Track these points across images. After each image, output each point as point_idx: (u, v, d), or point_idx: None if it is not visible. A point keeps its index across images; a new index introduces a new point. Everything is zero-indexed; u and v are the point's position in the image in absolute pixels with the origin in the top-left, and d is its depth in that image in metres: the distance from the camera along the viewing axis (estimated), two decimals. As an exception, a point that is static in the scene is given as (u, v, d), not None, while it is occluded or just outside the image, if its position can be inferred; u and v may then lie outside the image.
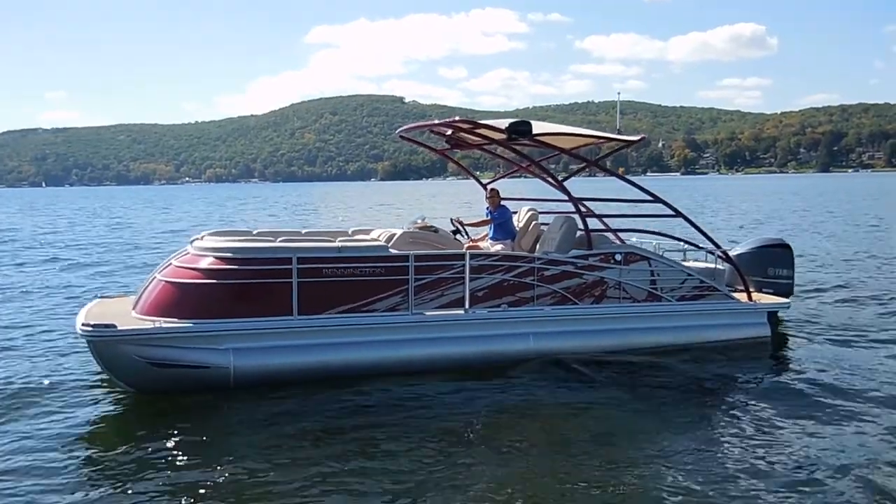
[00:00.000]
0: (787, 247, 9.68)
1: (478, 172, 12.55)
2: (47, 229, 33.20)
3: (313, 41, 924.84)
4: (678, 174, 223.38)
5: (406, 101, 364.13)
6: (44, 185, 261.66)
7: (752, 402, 6.78)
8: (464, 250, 8.10)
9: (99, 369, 7.16)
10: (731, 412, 6.53)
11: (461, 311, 7.67)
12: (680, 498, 4.79)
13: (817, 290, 12.47)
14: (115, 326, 6.68)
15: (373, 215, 38.57)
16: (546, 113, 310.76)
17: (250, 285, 7.08)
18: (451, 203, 49.34)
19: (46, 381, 7.37)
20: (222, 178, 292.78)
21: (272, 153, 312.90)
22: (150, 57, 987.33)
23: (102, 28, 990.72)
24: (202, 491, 4.96)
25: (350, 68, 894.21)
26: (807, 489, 4.91)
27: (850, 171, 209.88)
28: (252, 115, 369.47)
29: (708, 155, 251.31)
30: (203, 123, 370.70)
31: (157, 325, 6.83)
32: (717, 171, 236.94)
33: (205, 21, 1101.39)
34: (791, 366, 8.02)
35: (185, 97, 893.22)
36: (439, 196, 69.37)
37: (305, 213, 45.23)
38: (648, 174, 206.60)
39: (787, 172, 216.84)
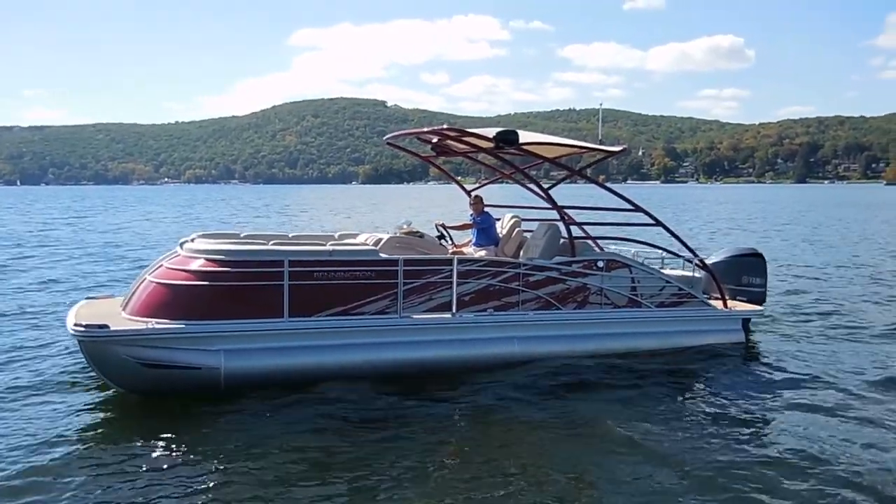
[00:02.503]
0: (760, 256, 10.01)
1: (460, 178, 12.73)
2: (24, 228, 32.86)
3: (297, 43, 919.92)
4: (658, 182, 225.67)
5: (388, 105, 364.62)
6: (18, 183, 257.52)
7: (725, 406, 7.03)
8: (450, 255, 8.29)
9: (89, 369, 7.23)
10: (705, 415, 6.78)
11: (448, 315, 7.85)
12: (645, 499, 5.00)
13: (789, 296, 12.84)
14: (107, 327, 6.75)
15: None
16: (528, 119, 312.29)
17: (242, 287, 7.17)
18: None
19: (34, 382, 7.40)
20: (202, 179, 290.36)
21: (253, 155, 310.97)
22: (133, 56, 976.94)
23: (85, 26, 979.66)
24: (189, 492, 5.03)
25: (333, 71, 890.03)
26: (777, 486, 5.17)
27: (826, 182, 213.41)
28: (233, 116, 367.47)
29: (687, 164, 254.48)
30: (183, 124, 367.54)
31: (149, 325, 6.91)
32: (697, 179, 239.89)
33: (189, 21, 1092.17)
34: (763, 370, 8.31)
35: (168, 97, 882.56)
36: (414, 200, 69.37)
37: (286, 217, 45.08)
38: (629, 182, 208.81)
39: (765, 182, 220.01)
